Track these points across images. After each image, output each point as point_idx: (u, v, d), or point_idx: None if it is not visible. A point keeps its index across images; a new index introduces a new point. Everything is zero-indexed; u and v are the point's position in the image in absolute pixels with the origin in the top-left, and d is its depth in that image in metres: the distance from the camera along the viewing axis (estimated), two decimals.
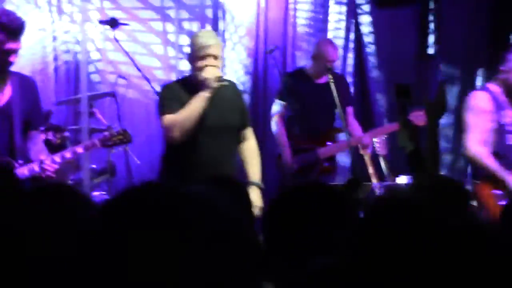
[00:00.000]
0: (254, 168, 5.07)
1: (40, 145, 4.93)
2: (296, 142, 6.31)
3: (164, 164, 5.09)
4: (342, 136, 6.37)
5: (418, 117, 6.43)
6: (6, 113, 4.63)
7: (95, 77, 7.25)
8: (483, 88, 5.24)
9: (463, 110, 5.15)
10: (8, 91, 4.67)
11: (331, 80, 5.89)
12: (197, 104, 4.80)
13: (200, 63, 4.78)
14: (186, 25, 7.43)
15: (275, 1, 7.53)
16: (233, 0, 7.45)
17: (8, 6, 6.56)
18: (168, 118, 4.81)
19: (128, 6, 7.36)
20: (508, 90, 4.98)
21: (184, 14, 7.46)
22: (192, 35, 5.26)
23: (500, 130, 4.96)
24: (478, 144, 4.92)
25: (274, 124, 6.30)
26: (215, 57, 4.81)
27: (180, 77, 5.37)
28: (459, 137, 6.27)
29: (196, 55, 4.82)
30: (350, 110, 6.42)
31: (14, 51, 4.52)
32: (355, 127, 6.37)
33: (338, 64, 6.97)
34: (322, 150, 6.32)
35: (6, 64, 4.56)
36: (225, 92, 4.97)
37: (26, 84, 4.78)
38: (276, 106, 6.37)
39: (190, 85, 4.88)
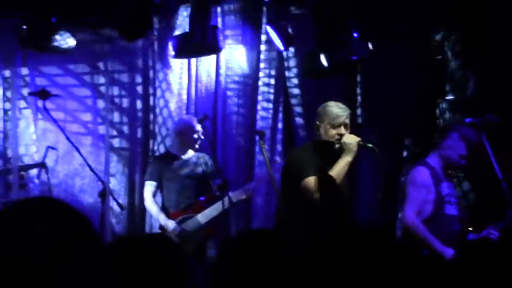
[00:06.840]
0: None
1: None
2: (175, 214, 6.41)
3: (293, 225, 5.09)
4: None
5: None
6: None
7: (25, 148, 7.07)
8: (424, 163, 5.49)
9: (406, 182, 5.49)
10: None
11: None
12: (343, 167, 5.02)
13: (336, 131, 5.10)
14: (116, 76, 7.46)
15: (206, 71, 7.52)
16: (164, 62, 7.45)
17: None
18: (313, 180, 4.96)
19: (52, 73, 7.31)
20: (446, 164, 5.42)
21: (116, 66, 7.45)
22: (323, 105, 5.36)
23: (439, 201, 5.34)
24: (415, 215, 5.29)
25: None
26: (346, 127, 5.13)
27: (305, 144, 5.69)
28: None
29: (331, 124, 5.10)
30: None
31: None
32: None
33: (268, 133, 7.06)
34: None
35: None
36: None
37: None
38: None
39: (321, 150, 5.14)
